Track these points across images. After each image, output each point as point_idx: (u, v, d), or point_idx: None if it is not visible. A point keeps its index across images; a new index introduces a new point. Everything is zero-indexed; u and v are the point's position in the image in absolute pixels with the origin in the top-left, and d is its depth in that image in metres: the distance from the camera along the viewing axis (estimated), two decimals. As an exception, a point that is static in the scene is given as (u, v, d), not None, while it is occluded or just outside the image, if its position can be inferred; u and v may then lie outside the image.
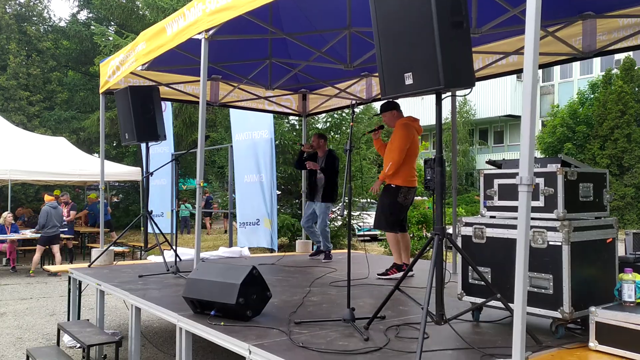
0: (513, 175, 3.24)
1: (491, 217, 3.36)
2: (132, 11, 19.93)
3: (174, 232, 8.65)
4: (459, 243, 3.43)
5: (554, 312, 2.97)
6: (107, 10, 19.96)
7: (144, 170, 5.82)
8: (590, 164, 25.23)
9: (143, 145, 10.29)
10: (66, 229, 12.49)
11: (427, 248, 3.26)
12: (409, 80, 2.80)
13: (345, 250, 9.33)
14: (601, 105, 25.52)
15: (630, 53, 24.36)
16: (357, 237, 16.97)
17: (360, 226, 16.49)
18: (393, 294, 3.20)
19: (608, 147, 25.05)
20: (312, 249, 7.35)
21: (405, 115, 5.42)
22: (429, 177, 9.71)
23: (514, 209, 3.19)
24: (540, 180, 3.08)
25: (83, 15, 25.10)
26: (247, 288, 3.42)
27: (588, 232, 3.09)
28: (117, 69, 6.13)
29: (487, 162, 3.66)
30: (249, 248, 7.68)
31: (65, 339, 5.30)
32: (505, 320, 3.41)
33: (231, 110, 9.77)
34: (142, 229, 15.41)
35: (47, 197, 11.55)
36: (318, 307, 3.95)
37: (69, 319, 5.90)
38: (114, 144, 23.22)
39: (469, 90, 2.88)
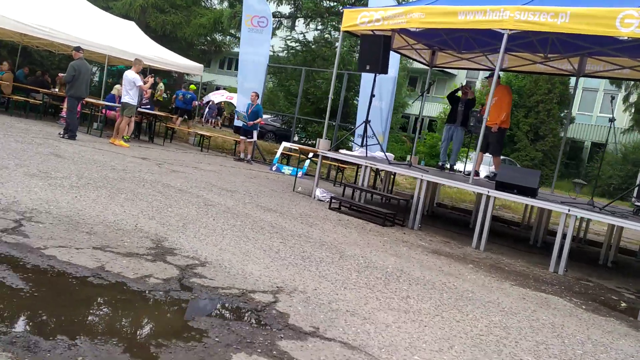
0: None
1: None
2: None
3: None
4: None
5: None
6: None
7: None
8: (513, 126, 30.72)
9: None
10: (148, 105, 14.11)
11: None
12: None
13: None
14: (533, 80, 30.69)
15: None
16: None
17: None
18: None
19: (531, 116, 30.53)
20: None
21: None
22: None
23: None
24: None
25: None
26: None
27: None
28: (377, 21, 8.59)
29: None
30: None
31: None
32: None
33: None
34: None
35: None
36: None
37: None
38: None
39: None
